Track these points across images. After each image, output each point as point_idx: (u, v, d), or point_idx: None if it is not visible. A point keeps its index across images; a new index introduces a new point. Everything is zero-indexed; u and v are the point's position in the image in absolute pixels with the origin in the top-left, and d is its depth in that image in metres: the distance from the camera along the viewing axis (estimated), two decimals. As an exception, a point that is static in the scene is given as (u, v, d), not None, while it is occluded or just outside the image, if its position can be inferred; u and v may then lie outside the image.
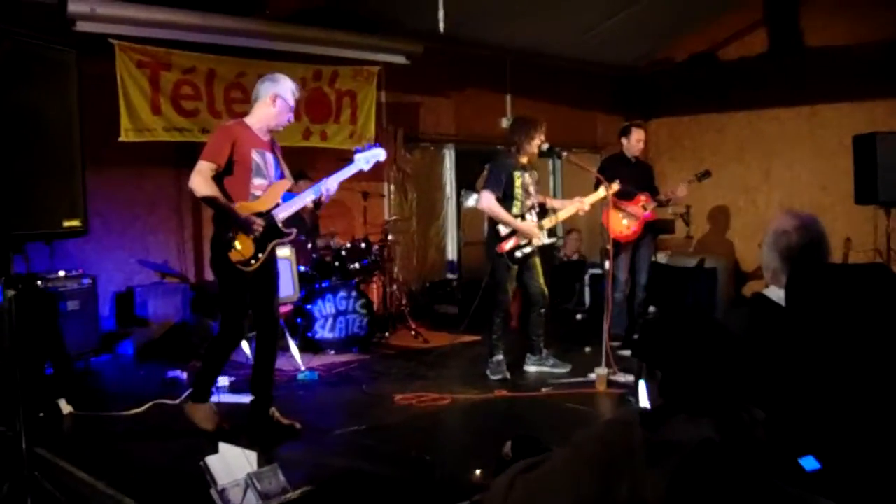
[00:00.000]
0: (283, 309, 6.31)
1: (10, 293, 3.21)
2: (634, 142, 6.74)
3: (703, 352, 1.83)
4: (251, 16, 7.12)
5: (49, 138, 3.37)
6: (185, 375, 5.71)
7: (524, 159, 5.84)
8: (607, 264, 6.00)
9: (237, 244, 4.24)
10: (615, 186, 6.11)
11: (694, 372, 1.82)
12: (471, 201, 9.62)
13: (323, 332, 6.72)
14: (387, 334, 7.50)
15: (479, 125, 9.49)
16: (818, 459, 1.94)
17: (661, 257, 8.61)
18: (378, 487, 3.71)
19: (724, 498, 1.66)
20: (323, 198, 4.45)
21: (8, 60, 3.09)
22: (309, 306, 6.67)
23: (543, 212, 5.96)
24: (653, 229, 6.89)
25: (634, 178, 6.58)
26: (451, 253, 9.60)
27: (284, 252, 6.30)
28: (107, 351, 6.51)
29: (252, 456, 3.29)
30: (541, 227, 5.84)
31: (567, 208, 6.04)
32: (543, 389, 5.50)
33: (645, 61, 10.66)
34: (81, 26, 6.21)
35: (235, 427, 4.38)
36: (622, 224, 6.59)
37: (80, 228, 3.54)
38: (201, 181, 4.17)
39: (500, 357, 5.83)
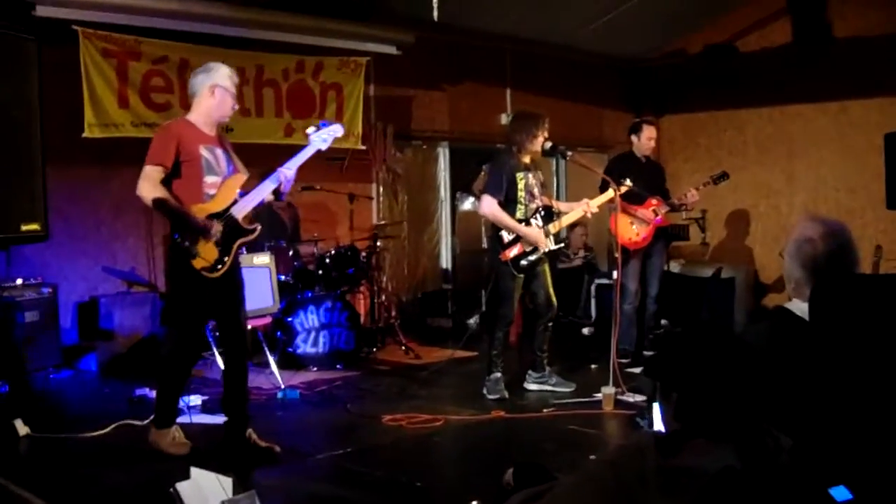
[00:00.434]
0: (261, 322, 6.32)
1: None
2: (645, 140, 6.76)
3: (721, 371, 1.83)
4: (229, 1, 7.12)
5: (5, 134, 3.36)
6: (153, 394, 5.66)
7: (526, 159, 5.84)
8: (615, 273, 6.00)
9: (199, 250, 4.25)
10: (627, 184, 6.10)
11: (712, 393, 1.82)
12: (468, 204, 9.64)
13: (305, 346, 6.70)
14: (374, 349, 7.50)
15: (476, 122, 9.50)
16: (850, 490, 1.93)
17: (674, 266, 8.64)
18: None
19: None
20: (282, 187, 4.52)
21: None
22: (290, 319, 6.66)
23: (549, 215, 5.92)
24: (665, 236, 6.91)
25: (645, 179, 6.57)
26: (446, 261, 9.59)
27: (263, 259, 6.30)
28: (68, 366, 6.48)
29: (227, 482, 3.27)
30: (547, 234, 5.82)
31: (572, 212, 6.03)
32: (545, 410, 5.49)
33: (657, 52, 10.68)
34: (42, 11, 6.16)
35: (209, 450, 4.37)
36: (632, 230, 6.60)
37: (39, 233, 3.53)
38: (149, 186, 4.20)
39: (498, 374, 5.83)
